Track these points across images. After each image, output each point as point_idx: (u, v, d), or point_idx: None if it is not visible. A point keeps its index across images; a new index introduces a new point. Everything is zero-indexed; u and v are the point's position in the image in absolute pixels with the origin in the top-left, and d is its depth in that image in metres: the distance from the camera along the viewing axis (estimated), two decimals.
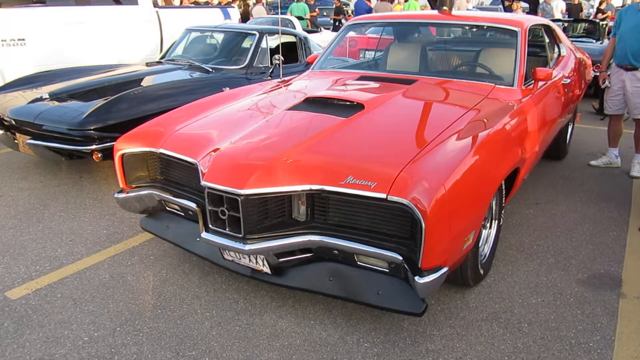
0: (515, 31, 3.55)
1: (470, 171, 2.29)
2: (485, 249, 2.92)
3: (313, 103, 2.98)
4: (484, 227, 2.89)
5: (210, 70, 5.01)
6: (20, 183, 4.35)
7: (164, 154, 2.75)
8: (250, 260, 2.46)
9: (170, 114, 3.09)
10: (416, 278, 2.06)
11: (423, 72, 3.70)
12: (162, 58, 5.69)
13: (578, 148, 5.61)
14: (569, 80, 4.20)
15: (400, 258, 2.13)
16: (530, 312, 2.64)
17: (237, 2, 14.99)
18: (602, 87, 4.85)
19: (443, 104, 3.09)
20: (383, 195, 2.11)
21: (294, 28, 10.21)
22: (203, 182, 2.34)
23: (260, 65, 5.31)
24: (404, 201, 2.05)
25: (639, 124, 4.72)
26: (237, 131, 2.68)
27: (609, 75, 4.78)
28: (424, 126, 2.67)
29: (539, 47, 4.40)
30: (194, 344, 2.35)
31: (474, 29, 4.19)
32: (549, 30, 4.42)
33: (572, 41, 7.49)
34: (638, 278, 2.98)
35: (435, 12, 4.46)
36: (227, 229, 2.33)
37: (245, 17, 12.72)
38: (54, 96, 4.26)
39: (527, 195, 4.24)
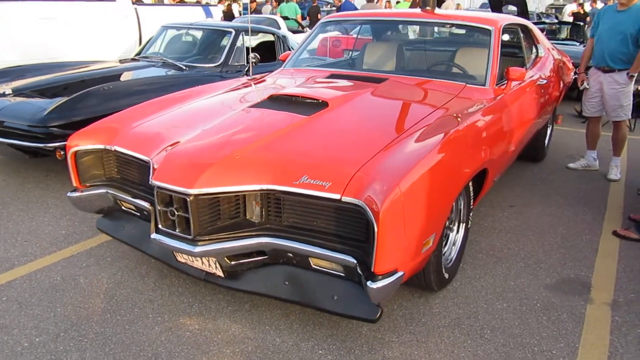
0: (488, 30, 3.48)
1: (430, 172, 2.20)
2: (452, 253, 2.84)
3: (277, 101, 2.88)
4: (450, 229, 2.82)
5: (184, 68, 4.91)
6: None
7: (118, 151, 2.65)
8: (203, 262, 2.36)
9: (128, 111, 2.98)
10: (368, 283, 1.97)
11: (396, 71, 3.62)
12: (137, 55, 5.57)
13: (558, 150, 5.55)
14: (545, 82, 4.14)
15: (354, 261, 2.04)
16: (495, 318, 2.55)
17: (224, 2, 14.87)
18: (581, 88, 4.79)
19: (410, 103, 3.00)
20: (337, 196, 2.02)
21: (279, 28, 10.12)
22: (152, 181, 2.24)
23: (237, 64, 5.21)
24: (358, 202, 1.96)
25: (616, 127, 4.67)
26: (194, 129, 2.58)
27: (587, 77, 4.73)
28: (387, 125, 2.58)
29: (516, 47, 4.34)
30: (139, 351, 2.24)
31: (451, 28, 4.11)
32: (526, 30, 4.36)
33: (556, 43, 7.49)
34: (607, 283, 2.92)
35: (417, 10, 4.39)
36: (176, 230, 2.23)
37: (229, 16, 12.59)
38: (18, 92, 4.14)
39: (502, 197, 4.17)
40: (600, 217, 3.85)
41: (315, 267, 2.22)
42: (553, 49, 4.93)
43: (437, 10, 4.12)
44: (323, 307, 2.19)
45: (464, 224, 2.91)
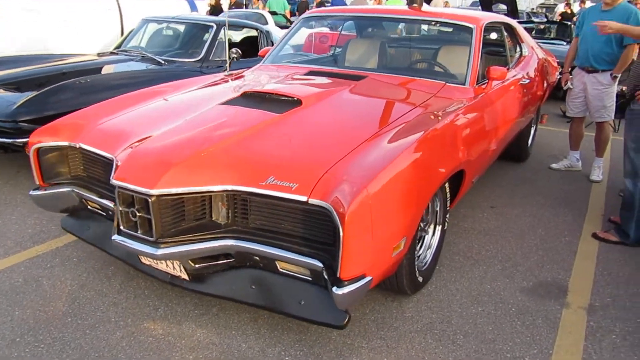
0: (470, 28, 3.41)
1: (401, 173, 2.13)
2: (427, 256, 2.78)
3: (250, 98, 2.80)
4: (425, 232, 2.75)
5: (163, 62, 4.80)
6: None
7: (83, 148, 2.55)
8: (167, 265, 2.28)
9: (96, 106, 2.89)
10: (334, 288, 1.90)
11: (376, 69, 3.54)
12: (116, 49, 5.44)
13: (542, 150, 5.51)
14: (528, 81, 4.09)
15: (321, 265, 1.97)
16: (468, 323, 2.50)
17: None
18: (564, 88, 4.75)
19: (386, 102, 2.93)
20: (304, 198, 1.95)
21: (266, 23, 10.01)
22: (112, 180, 2.14)
23: (218, 59, 5.10)
24: (325, 204, 1.89)
25: (599, 127, 4.63)
26: (162, 126, 2.49)
27: (571, 77, 4.69)
28: (360, 125, 2.50)
29: (499, 46, 4.28)
30: (98, 357, 2.16)
31: (436, 26, 4.04)
32: (510, 29, 4.31)
33: (544, 43, 7.46)
34: (584, 287, 2.87)
35: (402, 7, 4.32)
36: (138, 232, 2.14)
37: (218, 11, 12.44)
38: None
39: (482, 197, 4.12)
40: (580, 218, 3.82)
41: (282, 270, 2.15)
42: (537, 48, 4.88)
43: (424, 8, 4.06)
44: (289, 312, 2.12)
45: (440, 226, 2.85)
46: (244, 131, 2.35)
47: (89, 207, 2.71)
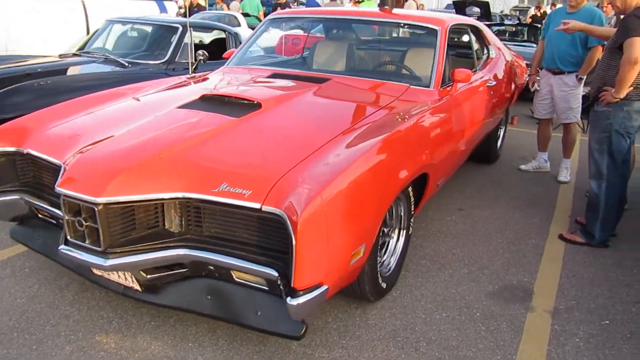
0: (435, 30, 3.39)
1: (359, 179, 2.08)
2: (391, 261, 2.74)
3: (208, 101, 2.72)
4: (388, 237, 2.71)
5: (127, 64, 4.67)
6: None
7: (31, 154, 2.44)
8: (119, 276, 2.18)
9: (46, 110, 2.77)
10: (287, 299, 1.83)
11: (340, 72, 3.49)
12: (79, 50, 5.30)
13: (512, 152, 5.54)
14: (495, 83, 4.09)
15: (276, 274, 1.90)
16: (432, 330, 2.46)
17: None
18: (532, 90, 4.78)
19: (347, 105, 2.89)
20: (257, 205, 1.88)
21: (239, 25, 9.90)
22: (57, 188, 2.04)
23: (184, 61, 4.99)
24: (278, 212, 1.82)
25: (566, 129, 4.67)
26: (115, 130, 2.39)
27: (538, 78, 4.72)
28: (319, 129, 2.44)
29: (465, 48, 4.28)
30: None
31: (403, 28, 4.00)
32: (476, 31, 4.31)
33: (515, 45, 7.52)
34: (549, 290, 2.86)
35: (372, 9, 4.28)
36: (86, 242, 2.05)
37: (191, 12, 12.29)
38: None
39: (451, 200, 4.10)
40: (547, 220, 3.82)
41: (238, 280, 2.08)
42: (505, 50, 4.90)
43: (395, 10, 4.03)
44: (246, 323, 2.05)
45: (405, 231, 2.81)
46: (198, 135, 2.27)
47: (39, 215, 2.60)
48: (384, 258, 2.73)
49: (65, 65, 4.68)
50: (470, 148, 3.81)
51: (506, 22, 15.33)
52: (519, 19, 18.89)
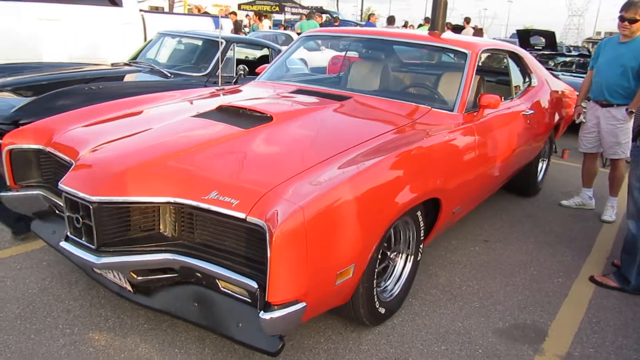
0: (464, 53, 3.30)
1: (348, 197, 2.02)
2: (394, 287, 2.65)
3: (224, 111, 2.77)
4: (393, 261, 2.62)
5: (169, 75, 4.86)
6: None
7: (51, 152, 2.57)
8: (114, 275, 2.24)
9: (72, 112, 2.92)
10: (260, 313, 1.80)
11: (364, 90, 3.44)
12: (131, 60, 5.57)
13: (556, 186, 5.27)
14: (531, 112, 3.91)
15: (255, 286, 1.88)
16: None
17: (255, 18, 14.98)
18: (577, 122, 4.54)
19: (359, 124, 2.84)
20: (242, 215, 1.88)
21: None
22: (60, 185, 2.13)
23: (225, 75, 5.14)
24: (260, 223, 1.81)
25: (614, 165, 4.40)
26: (126, 134, 2.48)
27: (585, 110, 4.48)
28: (324, 145, 2.42)
29: (503, 74, 4.14)
30: None
31: (432, 50, 3.93)
32: (516, 58, 4.16)
33: (569, 75, 7.21)
34: (566, 333, 2.66)
35: (402, 30, 4.25)
36: (82, 239, 2.12)
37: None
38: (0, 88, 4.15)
39: (479, 230, 3.94)
40: (581, 259, 3.59)
41: (224, 290, 2.07)
42: (551, 79, 4.70)
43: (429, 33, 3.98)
44: (226, 334, 2.03)
45: (413, 257, 2.71)
46: (201, 144, 2.31)
47: (56, 211, 2.72)
48: (388, 283, 2.65)
49: (116, 74, 4.94)
50: (500, 178, 3.65)
51: (573, 52, 14.75)
52: (588, 51, 18.15)
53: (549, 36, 12.17)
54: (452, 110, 3.08)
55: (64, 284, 2.73)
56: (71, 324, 2.40)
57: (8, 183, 2.70)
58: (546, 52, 11.75)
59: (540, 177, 4.92)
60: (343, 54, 7.90)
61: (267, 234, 1.76)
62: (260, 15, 13.92)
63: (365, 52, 4.04)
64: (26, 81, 4.32)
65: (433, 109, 3.05)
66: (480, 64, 3.59)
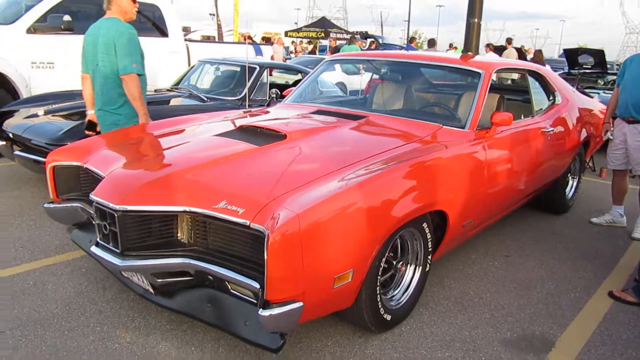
0: (478, 73, 3.42)
1: (345, 205, 2.17)
2: (402, 295, 2.75)
3: (244, 131, 3.00)
4: (399, 271, 2.74)
5: (206, 99, 5.20)
6: (14, 192, 4.66)
7: (89, 169, 2.86)
8: (138, 278, 2.47)
9: (107, 133, 3.23)
10: (260, 310, 1.97)
11: (379, 110, 3.61)
12: (173, 86, 5.97)
13: (589, 203, 5.20)
14: (552, 129, 3.95)
15: (258, 286, 2.05)
16: None
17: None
18: (604, 139, 4.52)
19: (369, 140, 3.01)
20: (247, 222, 2.06)
21: (333, 69, 10.39)
22: (91, 196, 2.40)
23: (258, 98, 5.44)
24: (261, 228, 2.00)
25: None
26: (153, 152, 2.75)
27: (612, 127, 4.45)
28: (331, 160, 2.57)
29: (523, 93, 4.20)
30: (65, 356, 2.36)
31: (448, 71, 4.05)
32: (537, 77, 4.22)
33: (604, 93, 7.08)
34: (574, 345, 2.67)
35: (418, 52, 4.41)
36: (110, 244, 2.37)
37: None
38: (48, 113, 4.58)
39: (500, 247, 3.97)
40: (602, 276, 3.55)
41: (233, 291, 2.25)
42: (577, 97, 4.70)
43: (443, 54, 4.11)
44: (235, 332, 2.20)
45: (421, 268, 2.82)
46: (217, 159, 2.53)
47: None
48: (396, 292, 2.76)
49: (157, 99, 5.32)
50: (518, 194, 3.70)
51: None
52: None
53: (598, 55, 11.90)
54: (463, 128, 3.19)
55: (99, 289, 3.00)
56: (101, 323, 2.64)
57: (51, 196, 3.02)
58: (595, 71, 11.53)
59: (570, 194, 4.88)
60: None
61: (265, 237, 1.94)
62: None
63: (384, 74, 4.22)
64: (76, 106, 4.73)
65: (445, 126, 3.17)
66: (508, 82, 3.66)
